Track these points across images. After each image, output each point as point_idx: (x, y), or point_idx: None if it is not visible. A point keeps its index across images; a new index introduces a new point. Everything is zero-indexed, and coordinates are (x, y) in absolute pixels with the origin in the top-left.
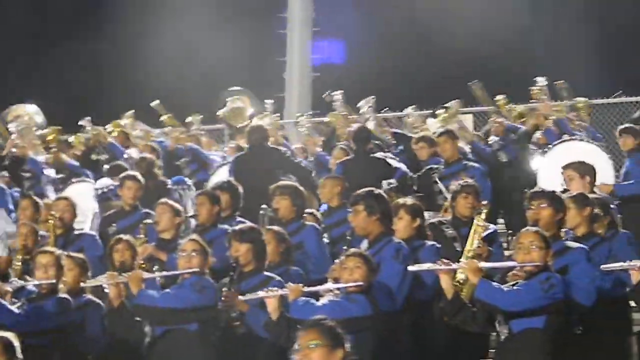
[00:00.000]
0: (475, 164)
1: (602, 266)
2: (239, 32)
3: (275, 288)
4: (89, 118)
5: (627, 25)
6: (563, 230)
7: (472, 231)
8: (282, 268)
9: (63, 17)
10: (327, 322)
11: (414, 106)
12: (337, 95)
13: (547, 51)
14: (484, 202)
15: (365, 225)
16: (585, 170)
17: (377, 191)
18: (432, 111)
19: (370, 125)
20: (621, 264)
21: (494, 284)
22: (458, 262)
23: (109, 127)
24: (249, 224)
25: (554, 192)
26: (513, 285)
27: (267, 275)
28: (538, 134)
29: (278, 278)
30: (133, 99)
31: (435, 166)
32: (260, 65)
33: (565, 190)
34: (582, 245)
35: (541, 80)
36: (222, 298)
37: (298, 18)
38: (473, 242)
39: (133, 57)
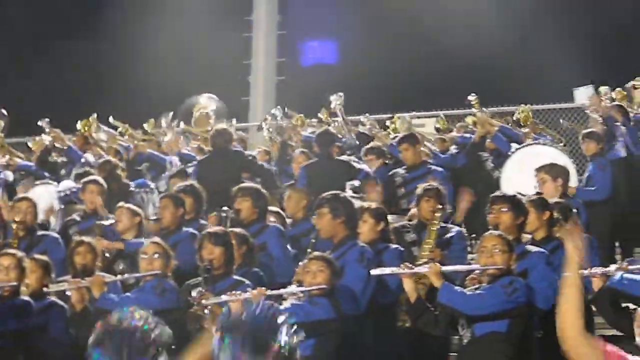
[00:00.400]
0: (439, 168)
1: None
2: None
3: (239, 292)
4: (47, 119)
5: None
6: (529, 235)
7: (427, 235)
8: (244, 270)
9: (63, 17)
10: None
11: (366, 114)
12: (275, 111)
13: (545, 53)
14: (439, 207)
15: (330, 228)
16: (557, 172)
17: (342, 194)
18: (390, 115)
19: (336, 123)
20: (582, 272)
21: (457, 288)
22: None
23: (78, 126)
24: (221, 227)
25: (514, 196)
26: (476, 289)
27: (236, 279)
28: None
29: (247, 282)
30: (133, 99)
31: (401, 170)
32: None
33: (538, 193)
34: (541, 249)
35: (472, 96)
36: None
37: (263, 21)
38: (426, 247)
39: (133, 57)
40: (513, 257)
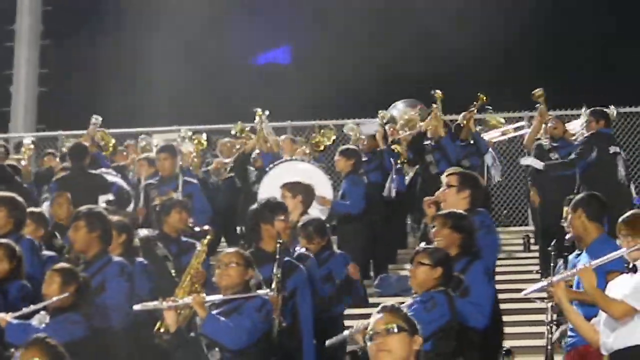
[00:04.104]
0: (193, 180)
1: None
2: None
3: None
4: None
5: None
6: None
7: (198, 255)
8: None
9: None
10: (49, 340)
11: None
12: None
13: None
14: (207, 227)
15: (84, 242)
16: (297, 190)
17: (98, 208)
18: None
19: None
20: None
21: (222, 319)
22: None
23: None
24: None
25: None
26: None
27: None
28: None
29: None
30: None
31: (152, 182)
32: None
33: None
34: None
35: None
36: None
37: (26, 31)
38: (195, 264)
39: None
40: (250, 272)
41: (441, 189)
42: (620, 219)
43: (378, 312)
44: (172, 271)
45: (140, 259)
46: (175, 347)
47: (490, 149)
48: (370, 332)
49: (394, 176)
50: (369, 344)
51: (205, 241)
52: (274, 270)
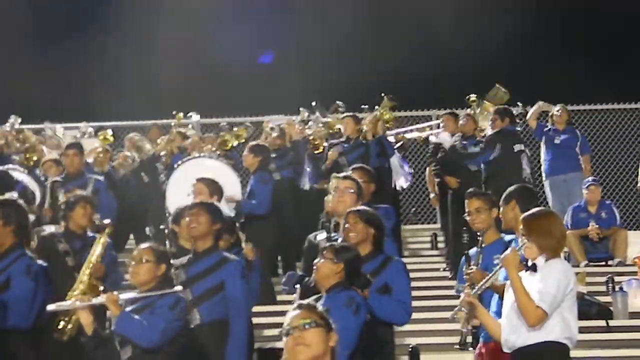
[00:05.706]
0: (99, 177)
1: None
2: None
3: None
4: None
5: None
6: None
7: (95, 250)
8: None
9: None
10: None
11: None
12: None
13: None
14: (107, 221)
15: None
16: (214, 190)
17: (17, 201)
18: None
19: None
20: None
21: (135, 317)
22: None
23: None
24: None
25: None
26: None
27: None
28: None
29: None
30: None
31: (59, 179)
32: None
33: None
34: (237, 259)
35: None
36: None
37: None
38: (93, 258)
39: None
40: (162, 268)
41: (338, 193)
42: (521, 217)
43: (294, 309)
44: (73, 266)
45: (40, 262)
46: (95, 347)
47: (396, 153)
48: (287, 328)
49: (308, 169)
50: (284, 339)
51: (104, 234)
52: None
